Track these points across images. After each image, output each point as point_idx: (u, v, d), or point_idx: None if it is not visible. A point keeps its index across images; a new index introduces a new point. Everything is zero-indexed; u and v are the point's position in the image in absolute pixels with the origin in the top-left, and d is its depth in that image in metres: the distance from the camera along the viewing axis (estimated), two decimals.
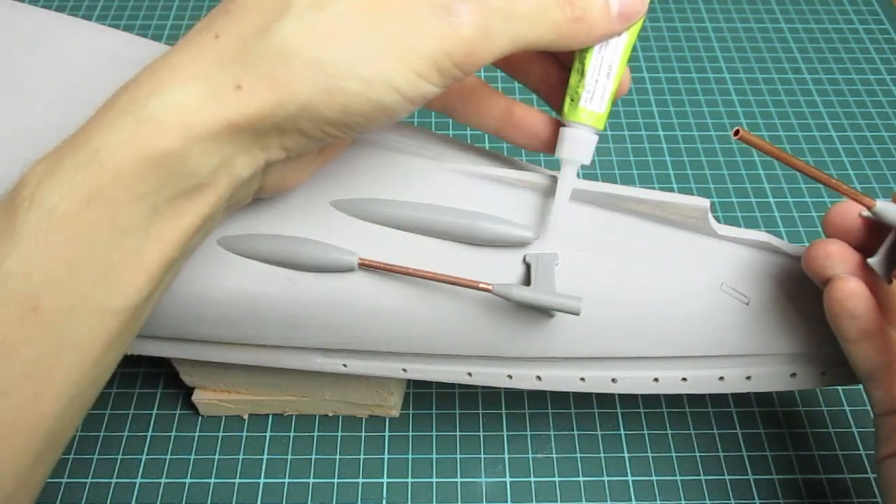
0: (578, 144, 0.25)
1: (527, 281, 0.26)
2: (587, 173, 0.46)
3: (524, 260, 0.26)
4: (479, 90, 0.27)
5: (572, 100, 0.24)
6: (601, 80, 0.24)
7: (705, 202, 0.26)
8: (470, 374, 0.29)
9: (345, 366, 0.29)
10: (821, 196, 0.45)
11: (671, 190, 0.45)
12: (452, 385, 0.36)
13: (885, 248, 0.23)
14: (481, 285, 0.25)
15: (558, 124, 0.25)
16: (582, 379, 0.28)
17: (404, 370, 0.29)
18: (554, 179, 0.26)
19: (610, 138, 0.48)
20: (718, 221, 0.27)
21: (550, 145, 0.26)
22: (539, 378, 0.29)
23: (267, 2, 0.20)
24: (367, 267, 0.25)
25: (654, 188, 0.41)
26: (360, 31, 0.19)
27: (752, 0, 0.58)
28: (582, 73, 0.24)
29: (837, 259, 0.24)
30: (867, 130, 0.48)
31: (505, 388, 0.30)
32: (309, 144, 0.21)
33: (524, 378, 0.29)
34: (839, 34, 0.55)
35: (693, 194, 0.35)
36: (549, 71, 0.26)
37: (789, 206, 0.44)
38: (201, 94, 0.19)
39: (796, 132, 0.48)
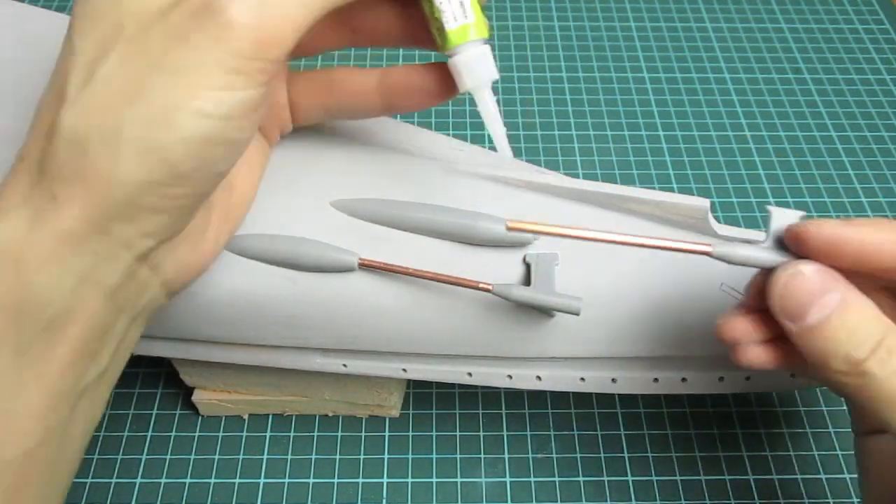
0: (474, 66, 0.22)
1: (527, 281, 0.26)
2: (588, 173, 0.46)
3: (524, 260, 0.26)
4: (343, 78, 0.24)
5: (439, 30, 0.22)
6: None
7: (705, 202, 0.26)
8: (470, 374, 0.29)
9: (345, 366, 0.29)
10: (821, 196, 0.45)
11: (671, 190, 0.45)
12: (452, 385, 0.36)
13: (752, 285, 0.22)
14: (481, 285, 0.25)
15: (442, 68, 0.23)
16: (582, 379, 0.28)
17: (404, 370, 0.29)
18: (555, 178, 0.26)
19: (610, 138, 0.48)
20: (718, 221, 0.27)
21: (449, 88, 0.23)
22: (539, 378, 0.29)
23: (49, 97, 0.19)
24: (367, 267, 0.25)
25: (654, 188, 0.41)
26: (137, 80, 0.18)
27: (752, 0, 0.58)
28: None
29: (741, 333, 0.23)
30: (867, 130, 0.48)
31: (505, 388, 0.30)
32: (173, 218, 0.20)
33: (524, 378, 0.29)
34: (839, 34, 0.55)
35: (693, 194, 0.35)
36: (393, 14, 0.23)
37: (789, 206, 0.44)
38: (24, 220, 0.18)
39: (796, 132, 0.48)
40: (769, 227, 0.21)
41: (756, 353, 0.22)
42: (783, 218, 0.21)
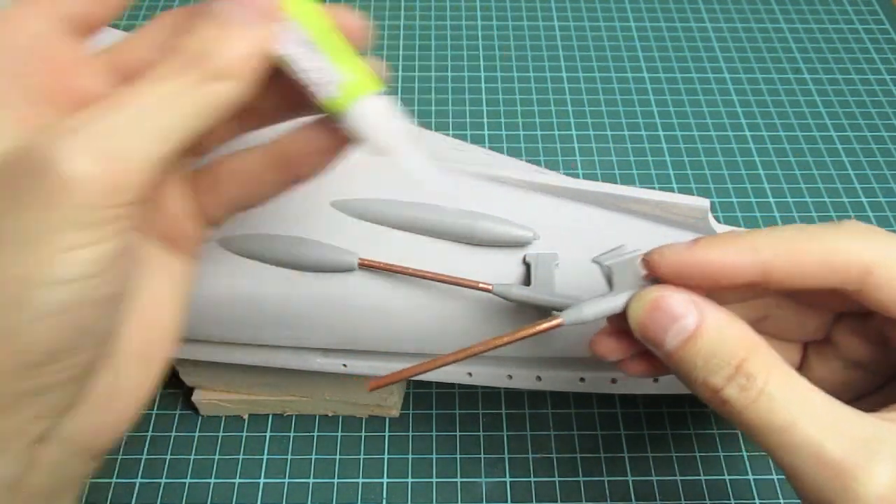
0: (369, 123, 0.18)
1: (527, 281, 0.26)
2: (588, 173, 0.46)
3: (524, 260, 0.26)
4: (228, 168, 0.20)
5: (319, 103, 0.19)
6: (311, 61, 0.18)
7: (705, 202, 0.26)
8: (470, 374, 0.29)
9: (345, 366, 0.29)
10: (821, 196, 0.45)
11: (671, 190, 0.45)
12: (452, 385, 0.36)
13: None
14: (481, 285, 0.25)
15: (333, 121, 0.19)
16: (582, 379, 0.28)
17: None
18: (555, 178, 0.26)
19: (610, 138, 0.48)
20: (718, 221, 0.27)
21: (345, 144, 0.20)
22: (539, 378, 0.29)
23: None
24: (367, 267, 0.25)
25: (654, 188, 0.41)
26: None
27: (752, 0, 0.58)
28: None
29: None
30: (867, 130, 0.48)
31: (505, 388, 0.30)
32: (66, 391, 0.17)
33: (524, 378, 0.29)
34: (839, 34, 0.55)
35: (693, 194, 0.35)
36: (276, 90, 0.19)
37: (789, 206, 0.44)
38: None
39: (796, 132, 0.48)
40: (604, 270, 0.21)
41: (635, 366, 0.22)
42: (610, 257, 0.21)
